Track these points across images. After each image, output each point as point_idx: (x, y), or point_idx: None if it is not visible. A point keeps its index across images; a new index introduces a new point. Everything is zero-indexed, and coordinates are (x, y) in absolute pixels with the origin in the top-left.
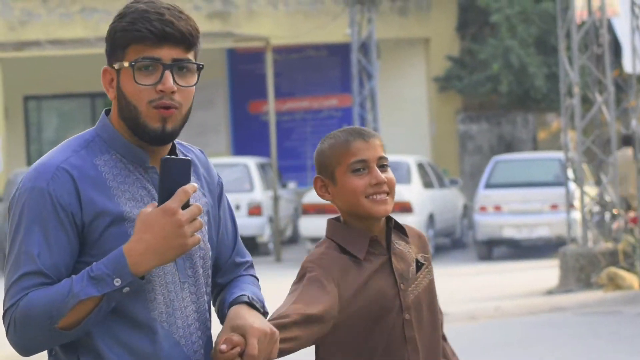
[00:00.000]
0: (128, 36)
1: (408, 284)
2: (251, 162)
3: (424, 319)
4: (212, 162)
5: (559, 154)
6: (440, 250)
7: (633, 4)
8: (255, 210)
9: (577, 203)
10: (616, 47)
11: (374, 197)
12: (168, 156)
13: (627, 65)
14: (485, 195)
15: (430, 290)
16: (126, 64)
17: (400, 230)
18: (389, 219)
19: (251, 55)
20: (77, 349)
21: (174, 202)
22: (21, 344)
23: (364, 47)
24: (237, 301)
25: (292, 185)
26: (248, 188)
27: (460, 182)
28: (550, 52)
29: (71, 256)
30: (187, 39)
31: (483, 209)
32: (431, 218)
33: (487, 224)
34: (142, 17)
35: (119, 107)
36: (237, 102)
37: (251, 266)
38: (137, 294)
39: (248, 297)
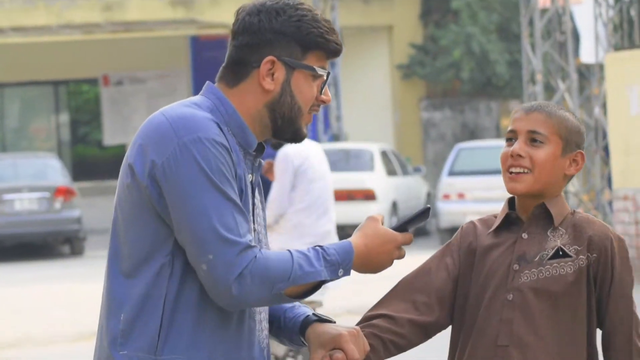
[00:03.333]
0: (321, 43)
1: (526, 267)
2: None
3: (537, 308)
4: None
5: None
6: None
7: None
8: None
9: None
10: (578, 35)
11: (510, 170)
12: (429, 206)
13: (585, 55)
14: (448, 183)
15: (559, 284)
16: (321, 72)
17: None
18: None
19: (215, 43)
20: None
21: (404, 239)
22: (244, 294)
23: None
24: (308, 321)
25: None
26: None
27: (423, 170)
28: (512, 39)
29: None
30: None
31: (446, 196)
32: (394, 206)
33: (451, 211)
34: (331, 30)
35: (275, 101)
36: (201, 89)
37: None
38: None
39: (314, 314)
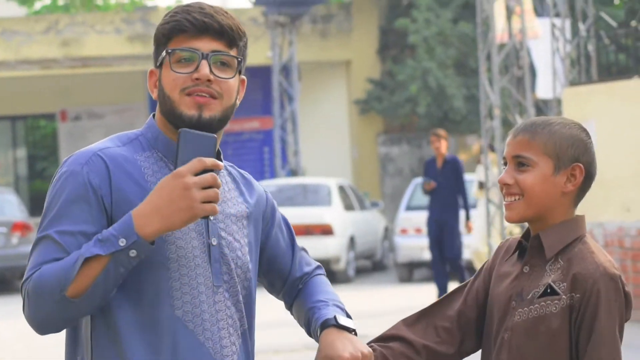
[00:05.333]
0: (167, 28)
1: (520, 305)
2: None
3: (528, 350)
4: None
5: (480, 176)
6: (361, 272)
7: (553, 26)
8: None
9: (497, 225)
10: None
11: (505, 199)
12: (187, 129)
13: (541, 90)
14: (405, 218)
15: (545, 324)
16: (163, 54)
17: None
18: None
19: None
20: (99, 344)
21: (184, 168)
22: (35, 318)
23: (285, 70)
24: (326, 325)
25: None
26: None
27: (381, 205)
28: (470, 74)
29: (90, 235)
30: (227, 32)
31: (404, 231)
32: (352, 240)
33: (408, 246)
34: (184, 10)
35: (160, 103)
36: None
37: (319, 268)
38: (161, 291)
39: (335, 318)
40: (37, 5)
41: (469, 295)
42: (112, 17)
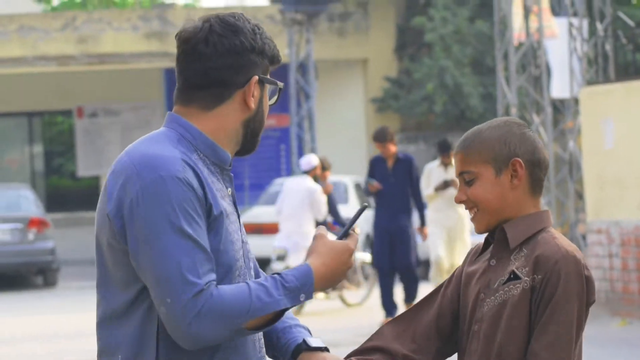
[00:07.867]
0: (277, 57)
1: (487, 295)
2: None
3: (496, 337)
4: None
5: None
6: None
7: (571, 26)
8: None
9: None
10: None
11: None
12: (367, 204)
13: (555, 90)
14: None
15: (507, 307)
16: (280, 85)
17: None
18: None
19: None
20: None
21: (353, 244)
22: (203, 334)
23: (302, 68)
24: (298, 351)
25: None
26: None
27: None
28: (486, 73)
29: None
30: None
31: (420, 229)
32: (368, 238)
33: (424, 243)
34: (269, 37)
35: (251, 118)
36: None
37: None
38: None
39: (305, 342)
40: (55, 2)
41: (444, 300)
42: (129, 14)
